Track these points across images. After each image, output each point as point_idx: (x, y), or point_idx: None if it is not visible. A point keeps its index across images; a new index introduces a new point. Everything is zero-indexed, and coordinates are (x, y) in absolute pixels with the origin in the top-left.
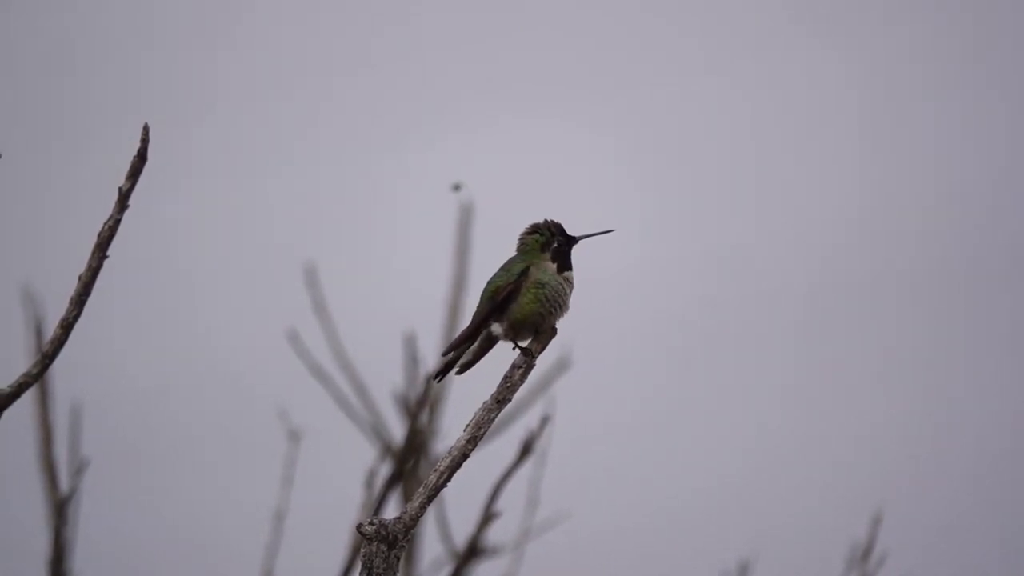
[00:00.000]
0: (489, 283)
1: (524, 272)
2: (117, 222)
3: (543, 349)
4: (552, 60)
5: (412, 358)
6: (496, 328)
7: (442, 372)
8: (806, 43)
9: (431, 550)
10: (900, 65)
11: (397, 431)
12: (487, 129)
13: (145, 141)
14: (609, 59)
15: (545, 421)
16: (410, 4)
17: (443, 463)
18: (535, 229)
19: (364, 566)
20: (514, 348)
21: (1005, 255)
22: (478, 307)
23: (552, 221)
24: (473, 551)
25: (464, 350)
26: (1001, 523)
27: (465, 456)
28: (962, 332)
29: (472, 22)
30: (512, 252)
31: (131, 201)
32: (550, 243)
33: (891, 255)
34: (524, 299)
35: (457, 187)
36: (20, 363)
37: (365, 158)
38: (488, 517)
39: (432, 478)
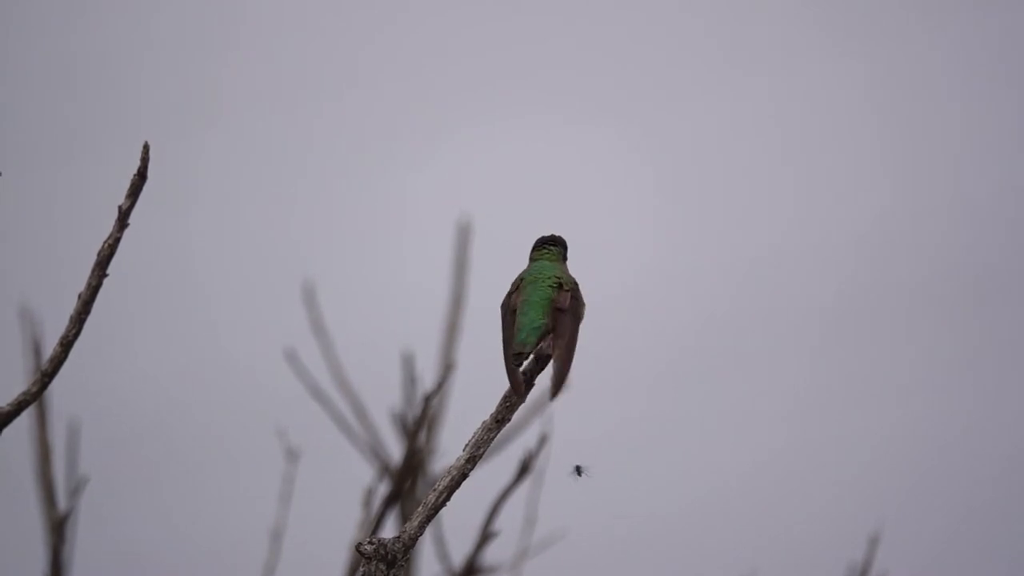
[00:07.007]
0: (543, 290)
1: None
2: (117, 240)
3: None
4: (561, 65)
5: (410, 377)
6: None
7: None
8: (829, 49)
9: (429, 570)
10: (925, 73)
11: (395, 450)
12: (488, 142)
13: (145, 160)
14: (623, 64)
15: (543, 440)
16: (410, 15)
17: (442, 482)
18: (556, 241)
19: None
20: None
21: None
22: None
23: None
24: (471, 570)
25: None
26: (1002, 544)
27: (464, 476)
28: (975, 346)
29: (472, 28)
30: (514, 266)
31: (131, 219)
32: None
33: (908, 268)
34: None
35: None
36: (19, 381)
37: (363, 176)
38: (486, 536)
39: (431, 497)
